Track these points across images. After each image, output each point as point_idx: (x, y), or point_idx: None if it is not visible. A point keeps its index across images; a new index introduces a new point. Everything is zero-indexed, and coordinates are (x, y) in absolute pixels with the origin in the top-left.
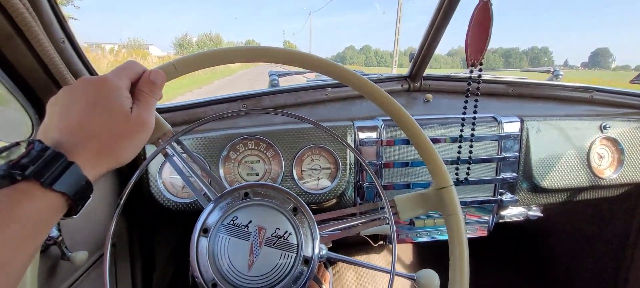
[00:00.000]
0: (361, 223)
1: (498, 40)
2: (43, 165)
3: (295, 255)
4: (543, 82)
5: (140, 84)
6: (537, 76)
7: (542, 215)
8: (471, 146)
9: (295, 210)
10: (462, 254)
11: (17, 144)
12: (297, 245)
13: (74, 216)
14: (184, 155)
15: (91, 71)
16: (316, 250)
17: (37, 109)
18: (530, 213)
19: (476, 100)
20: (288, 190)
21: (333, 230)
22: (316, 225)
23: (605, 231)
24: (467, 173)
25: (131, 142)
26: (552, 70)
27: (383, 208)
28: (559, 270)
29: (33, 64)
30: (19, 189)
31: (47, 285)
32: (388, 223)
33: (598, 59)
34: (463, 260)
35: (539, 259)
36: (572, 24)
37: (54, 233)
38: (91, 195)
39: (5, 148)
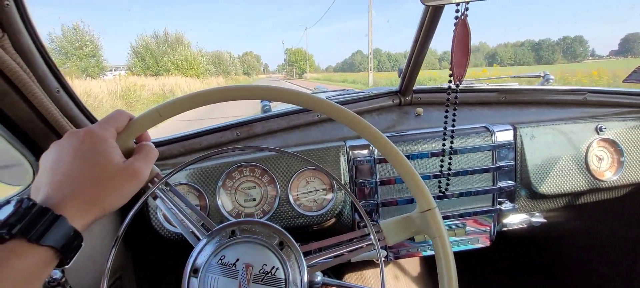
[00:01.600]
0: (349, 251)
1: (519, 33)
2: (29, 222)
3: None
4: (534, 87)
5: (144, 137)
6: (528, 82)
7: (545, 220)
8: (450, 159)
9: (281, 244)
10: (450, 275)
11: (7, 202)
12: (285, 279)
13: (66, 266)
14: (171, 194)
15: (87, 115)
16: (305, 284)
17: (37, 155)
18: (533, 219)
19: (454, 111)
20: (273, 224)
21: (321, 260)
22: (303, 258)
23: (616, 234)
24: (446, 187)
25: (120, 191)
26: (542, 74)
27: (369, 235)
28: (569, 276)
29: (30, 116)
30: (7, 248)
31: None
32: (374, 250)
33: (630, 46)
34: (452, 281)
35: (547, 266)
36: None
37: (58, 274)
38: (82, 244)
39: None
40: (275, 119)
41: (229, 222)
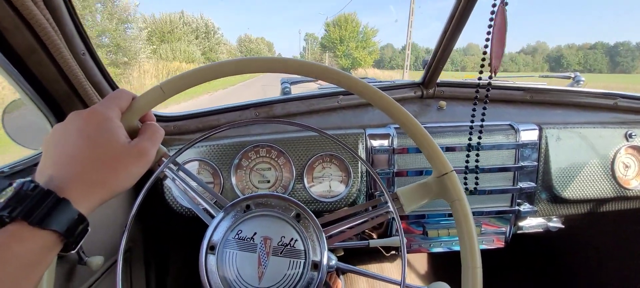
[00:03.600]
0: (365, 221)
1: (590, 32)
2: (31, 205)
3: (303, 261)
4: (563, 87)
5: (148, 116)
6: (557, 82)
7: (563, 226)
8: (477, 154)
9: (298, 216)
10: (471, 239)
11: (10, 184)
12: (305, 251)
13: (72, 252)
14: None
15: (110, 82)
16: (324, 254)
17: (59, 118)
18: (551, 224)
19: (484, 107)
20: (289, 197)
21: (338, 232)
22: (321, 228)
23: (635, 246)
24: (476, 183)
25: (127, 172)
26: (573, 75)
27: (386, 202)
28: (584, 285)
29: (55, 76)
30: (8, 231)
31: None
32: (393, 217)
33: None
34: (473, 244)
35: (560, 272)
36: None
37: None
38: (89, 228)
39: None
40: (294, 102)
41: (243, 196)
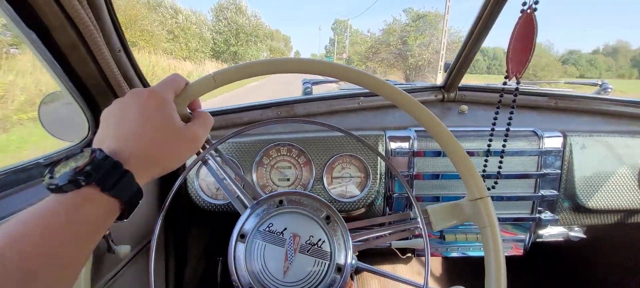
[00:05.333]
0: (392, 232)
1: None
2: (104, 173)
3: (328, 262)
4: (590, 95)
5: (196, 104)
6: (583, 89)
7: (585, 236)
8: (501, 160)
9: (328, 218)
10: (499, 268)
11: (81, 151)
12: (331, 253)
13: (125, 220)
14: (219, 160)
15: (142, 79)
16: (349, 259)
17: (94, 113)
18: (572, 233)
19: (511, 112)
20: (321, 198)
21: (365, 239)
22: (349, 234)
23: None
24: (493, 187)
25: (178, 153)
26: (600, 83)
27: (415, 218)
28: None
29: (93, 72)
30: (82, 193)
31: (95, 275)
32: (419, 234)
33: None
34: (500, 275)
35: (580, 284)
36: None
37: None
38: (140, 201)
39: (70, 155)
40: (315, 102)
41: (278, 191)
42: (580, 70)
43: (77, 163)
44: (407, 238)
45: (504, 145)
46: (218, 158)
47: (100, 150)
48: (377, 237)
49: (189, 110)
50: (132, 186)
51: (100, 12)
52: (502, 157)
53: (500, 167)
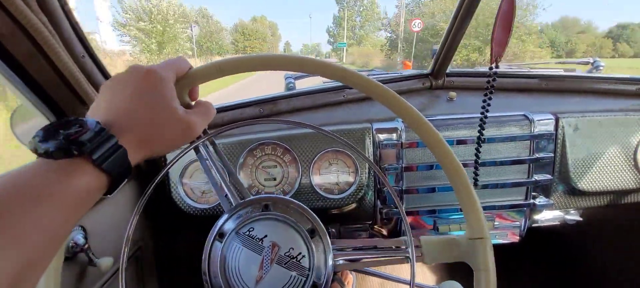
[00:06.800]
0: (381, 258)
1: None
2: (97, 144)
3: (304, 279)
4: (581, 74)
5: (195, 93)
6: (575, 68)
7: (581, 219)
8: (477, 148)
9: (313, 232)
10: None
11: (75, 119)
12: (309, 268)
13: (108, 196)
14: (213, 151)
15: None
16: (327, 278)
17: None
18: (568, 217)
19: (488, 96)
20: (309, 210)
21: (349, 259)
22: (332, 253)
23: None
24: (475, 177)
25: (171, 139)
26: (591, 61)
27: (407, 249)
28: (602, 279)
29: (55, 80)
30: (74, 163)
31: None
32: (409, 263)
33: None
34: None
35: (578, 268)
36: None
37: (81, 241)
38: (122, 208)
39: (63, 122)
40: (299, 97)
41: (265, 195)
42: (634, 48)
43: (69, 131)
44: (395, 235)
45: (480, 132)
46: (211, 150)
47: (97, 122)
48: (361, 260)
49: (189, 100)
50: (124, 162)
51: (56, 19)
52: (480, 144)
53: (478, 154)
